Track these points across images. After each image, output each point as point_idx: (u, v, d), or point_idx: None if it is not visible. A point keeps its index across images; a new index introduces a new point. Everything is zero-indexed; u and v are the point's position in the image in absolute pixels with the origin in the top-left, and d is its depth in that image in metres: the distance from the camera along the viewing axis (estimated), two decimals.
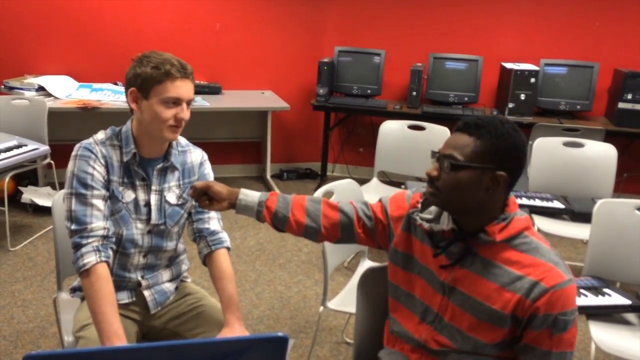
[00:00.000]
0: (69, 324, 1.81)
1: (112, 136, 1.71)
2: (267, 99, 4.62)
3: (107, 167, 1.67)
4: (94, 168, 1.65)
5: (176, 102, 1.63)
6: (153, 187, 1.72)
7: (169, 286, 1.84)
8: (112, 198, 1.68)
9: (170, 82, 1.61)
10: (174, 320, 1.82)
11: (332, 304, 2.19)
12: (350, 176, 4.74)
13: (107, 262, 1.60)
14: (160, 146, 1.72)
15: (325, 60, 4.44)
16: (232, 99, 4.50)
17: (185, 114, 1.65)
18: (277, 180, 4.89)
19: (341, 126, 4.98)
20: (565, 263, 1.36)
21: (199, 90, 4.46)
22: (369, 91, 4.61)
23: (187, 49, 4.59)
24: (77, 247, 1.60)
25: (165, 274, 1.83)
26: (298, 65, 4.88)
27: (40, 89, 4.04)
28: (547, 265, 1.32)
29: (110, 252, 1.64)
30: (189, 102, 1.67)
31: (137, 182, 1.71)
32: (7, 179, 3.41)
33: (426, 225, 1.45)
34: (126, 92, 1.67)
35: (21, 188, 3.99)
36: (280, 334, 1.10)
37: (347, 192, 2.33)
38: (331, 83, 4.55)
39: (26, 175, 4.08)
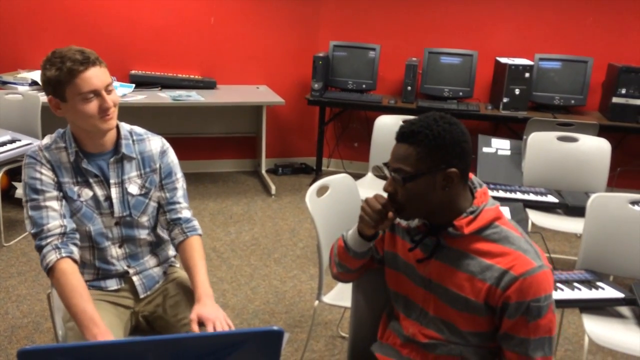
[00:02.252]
0: (62, 314, 1.81)
1: (56, 139, 1.71)
2: (262, 94, 4.60)
3: (55, 170, 1.68)
4: (40, 173, 1.66)
5: (94, 93, 1.59)
6: (112, 181, 1.72)
7: (157, 271, 1.86)
8: (66, 199, 1.69)
9: (78, 78, 1.57)
10: (163, 304, 1.82)
11: (327, 298, 2.19)
12: (345, 171, 4.74)
13: (69, 257, 1.62)
14: (102, 139, 1.70)
15: (320, 54, 4.43)
16: (226, 94, 4.49)
17: (109, 102, 1.61)
18: (272, 175, 4.89)
19: (336, 121, 4.97)
20: (538, 250, 1.37)
21: (194, 85, 4.45)
22: (364, 86, 4.60)
23: (181, 43, 4.58)
24: (39, 249, 1.64)
25: (152, 260, 1.85)
26: (293, 60, 4.86)
27: (34, 83, 4.02)
28: (516, 254, 1.34)
29: (73, 248, 1.65)
30: (108, 88, 1.62)
31: (91, 179, 1.71)
32: (0, 174, 3.39)
33: (404, 223, 1.51)
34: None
35: (15, 183, 3.97)
36: (275, 327, 1.10)
37: (342, 187, 2.33)
38: (326, 78, 4.55)
39: (20, 170, 4.05)
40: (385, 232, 1.57)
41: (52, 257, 1.60)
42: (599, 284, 2.16)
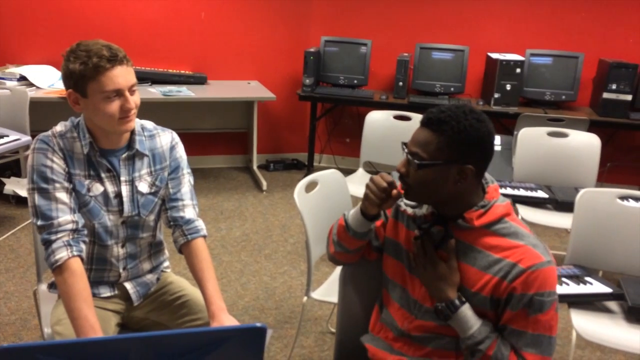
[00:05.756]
0: (50, 316, 1.79)
1: (71, 128, 1.63)
2: (253, 89, 4.59)
3: (66, 159, 1.60)
4: (52, 161, 1.58)
5: (117, 93, 1.53)
6: (122, 178, 1.66)
7: (150, 277, 1.83)
8: (75, 192, 1.62)
9: (103, 76, 1.50)
10: (157, 310, 1.80)
11: (316, 294, 2.19)
12: (337, 167, 4.74)
13: (79, 256, 1.56)
14: (118, 137, 1.64)
15: (312, 50, 4.42)
16: (217, 89, 4.47)
17: (131, 103, 1.55)
18: (263, 171, 4.87)
19: (328, 116, 4.96)
20: (546, 246, 1.37)
21: (184, 80, 4.42)
22: (355, 81, 4.59)
23: (171, 38, 4.55)
24: (47, 243, 1.56)
25: (146, 265, 1.82)
26: (284, 55, 4.85)
27: (22, 78, 3.98)
28: (526, 248, 1.34)
29: (83, 246, 1.59)
30: (132, 88, 1.56)
31: (103, 174, 1.64)
32: None
33: (410, 210, 1.49)
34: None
35: (3, 179, 3.94)
36: (258, 324, 1.10)
37: (331, 183, 2.32)
38: (317, 73, 4.53)
39: (8, 166, 4.04)
40: (388, 219, 1.56)
41: (62, 254, 1.53)
42: (587, 279, 2.17)
